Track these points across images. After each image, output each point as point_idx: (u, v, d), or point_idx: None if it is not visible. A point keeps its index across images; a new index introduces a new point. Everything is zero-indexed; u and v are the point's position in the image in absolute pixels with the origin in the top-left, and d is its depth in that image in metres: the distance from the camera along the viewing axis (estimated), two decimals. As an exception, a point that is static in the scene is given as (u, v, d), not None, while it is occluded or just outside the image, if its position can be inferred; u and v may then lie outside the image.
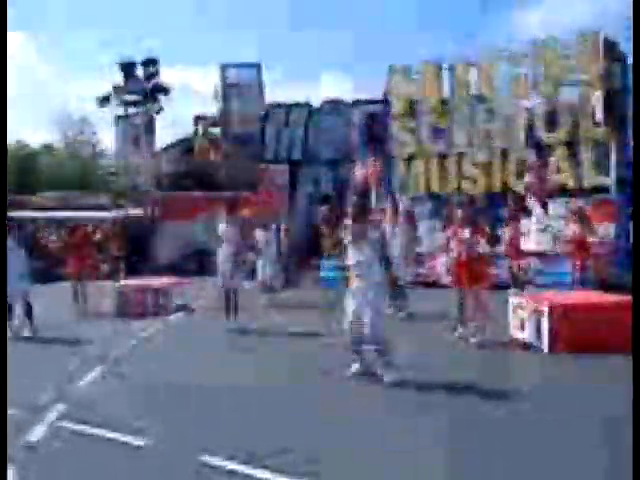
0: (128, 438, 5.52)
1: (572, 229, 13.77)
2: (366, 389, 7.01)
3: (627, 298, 8.85)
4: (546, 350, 8.59)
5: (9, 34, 57.43)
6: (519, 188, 18.49)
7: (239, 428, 5.81)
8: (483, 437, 5.45)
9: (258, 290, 14.79)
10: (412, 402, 6.51)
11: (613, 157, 17.62)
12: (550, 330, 8.62)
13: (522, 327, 9.45)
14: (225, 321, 11.29)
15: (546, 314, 8.72)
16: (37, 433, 5.74)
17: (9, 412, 5.69)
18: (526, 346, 9.04)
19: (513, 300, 10.01)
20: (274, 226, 16.72)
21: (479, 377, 7.46)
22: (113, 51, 76.12)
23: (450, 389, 6.87)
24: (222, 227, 11.63)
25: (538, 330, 8.90)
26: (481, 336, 9.32)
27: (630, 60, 18.18)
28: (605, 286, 12.27)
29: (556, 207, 17.08)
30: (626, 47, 18.21)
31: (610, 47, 18.01)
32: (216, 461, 4.98)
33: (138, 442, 5.43)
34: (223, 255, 11.56)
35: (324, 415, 6.16)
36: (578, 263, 13.31)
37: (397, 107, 20.71)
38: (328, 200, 21.65)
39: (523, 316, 9.43)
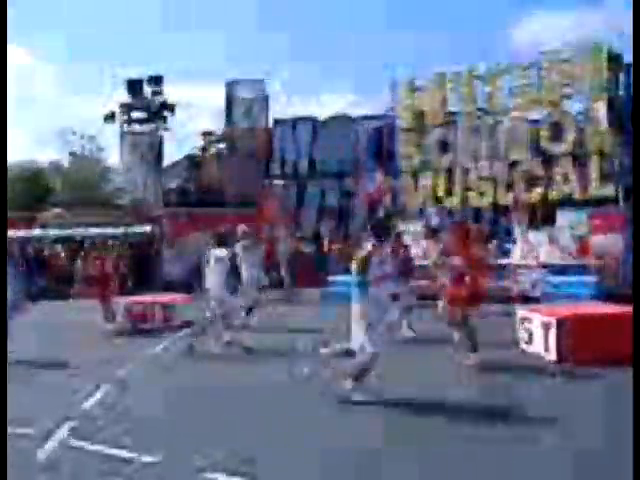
0: (135, 455, 5.50)
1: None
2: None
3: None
4: (555, 362, 8.52)
5: (15, 50, 58.06)
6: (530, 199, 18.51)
7: (243, 446, 5.76)
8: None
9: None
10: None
11: (619, 168, 17.56)
12: (559, 342, 8.55)
13: (530, 340, 9.38)
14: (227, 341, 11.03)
15: (554, 326, 8.66)
16: (46, 451, 5.72)
17: (18, 431, 5.70)
18: (534, 359, 8.96)
19: (521, 313, 9.94)
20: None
21: (492, 397, 7.39)
22: (120, 69, 76.69)
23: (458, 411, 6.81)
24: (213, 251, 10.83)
25: (546, 343, 8.83)
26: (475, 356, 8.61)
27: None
28: (613, 297, 12.16)
29: (563, 218, 16.97)
30: (630, 58, 18.23)
31: (614, 58, 18.01)
32: (221, 478, 4.97)
33: (146, 459, 5.40)
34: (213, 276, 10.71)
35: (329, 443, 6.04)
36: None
37: (403, 121, 20.77)
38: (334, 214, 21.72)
39: (531, 329, 9.37)
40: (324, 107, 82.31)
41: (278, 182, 24.26)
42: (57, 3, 73.00)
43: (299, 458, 5.42)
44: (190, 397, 7.55)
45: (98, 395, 7.66)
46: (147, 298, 14.79)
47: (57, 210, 28.15)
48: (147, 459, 5.40)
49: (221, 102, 25.68)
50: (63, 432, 6.22)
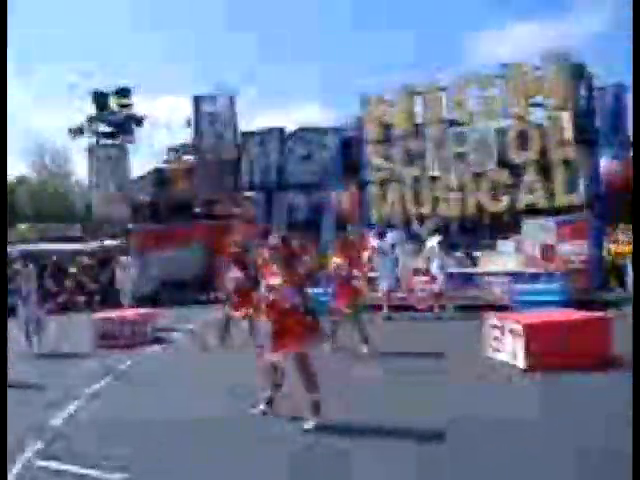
0: (104, 474, 5.41)
1: (335, 262, 11.39)
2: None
3: (601, 315, 9.04)
4: (523, 368, 8.57)
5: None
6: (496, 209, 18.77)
7: (211, 463, 5.70)
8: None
9: None
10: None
11: (583, 176, 17.82)
12: (526, 349, 8.61)
13: (498, 347, 9.44)
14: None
15: (522, 333, 8.72)
16: (12, 472, 5.61)
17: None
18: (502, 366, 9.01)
19: (488, 321, 9.98)
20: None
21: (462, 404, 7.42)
22: (86, 82, 76.06)
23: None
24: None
25: (515, 350, 8.89)
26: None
27: (596, 82, 18.68)
28: (581, 304, 12.30)
29: (529, 227, 17.15)
30: (594, 68, 18.61)
31: (578, 68, 18.31)
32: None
33: (114, 477, 5.32)
34: None
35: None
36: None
37: (371, 133, 20.87)
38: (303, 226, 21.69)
39: (499, 336, 9.43)
40: (293, 118, 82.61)
41: (247, 194, 24.20)
42: (20, 9, 72.25)
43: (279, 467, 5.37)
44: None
45: (65, 413, 7.55)
46: (115, 313, 14.60)
47: (23, 226, 27.81)
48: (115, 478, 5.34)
49: (189, 115, 25.69)
50: (29, 452, 6.12)
